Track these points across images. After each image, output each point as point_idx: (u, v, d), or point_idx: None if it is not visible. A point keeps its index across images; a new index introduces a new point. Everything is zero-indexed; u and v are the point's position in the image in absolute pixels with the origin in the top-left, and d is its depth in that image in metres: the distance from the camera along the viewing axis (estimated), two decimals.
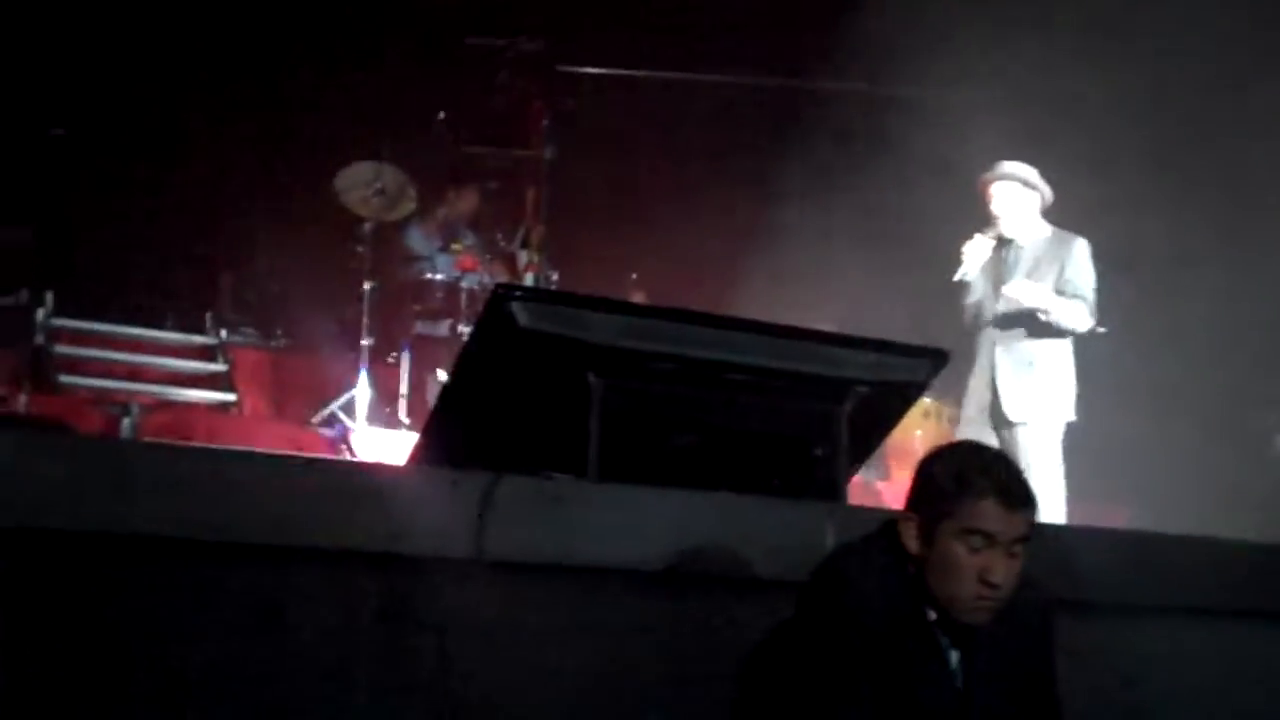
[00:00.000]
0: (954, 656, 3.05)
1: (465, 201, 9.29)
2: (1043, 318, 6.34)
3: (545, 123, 6.37)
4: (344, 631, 3.29)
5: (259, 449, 6.79)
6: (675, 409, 4.06)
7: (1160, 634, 4.12)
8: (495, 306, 3.90)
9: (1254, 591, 4.27)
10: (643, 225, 9.87)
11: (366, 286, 8.45)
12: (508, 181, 9.26)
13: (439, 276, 8.73)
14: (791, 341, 4.22)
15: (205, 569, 3.16)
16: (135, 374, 8.74)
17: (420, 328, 8.73)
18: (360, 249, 8.74)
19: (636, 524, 3.56)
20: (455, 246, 8.92)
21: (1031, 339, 6.40)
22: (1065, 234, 6.56)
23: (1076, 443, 7.90)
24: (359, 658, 3.30)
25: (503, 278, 8.27)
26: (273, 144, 10.06)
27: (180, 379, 8.91)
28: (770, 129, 9.92)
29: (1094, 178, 8.10)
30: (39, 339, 8.42)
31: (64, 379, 8.27)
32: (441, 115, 9.82)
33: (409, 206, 8.93)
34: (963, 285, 6.54)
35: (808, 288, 9.10)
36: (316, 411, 8.21)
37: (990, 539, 2.91)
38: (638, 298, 9.66)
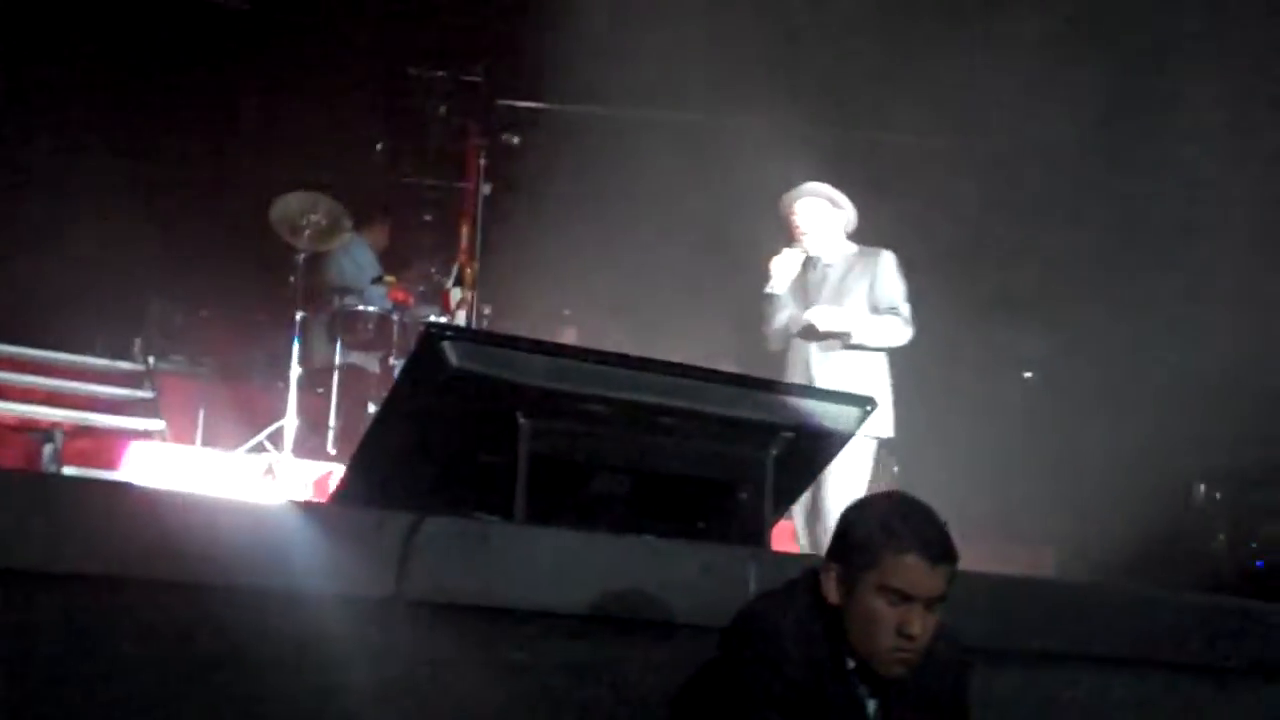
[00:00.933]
0: (871, 706, 3.07)
1: (375, 235, 9.34)
2: (853, 341, 6.21)
3: (481, 158, 6.34)
4: (260, 668, 3.26)
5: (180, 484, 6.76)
6: (603, 451, 4.07)
7: (1079, 683, 4.16)
8: (426, 345, 3.89)
9: (1174, 643, 4.31)
10: (576, 262, 9.90)
11: (298, 316, 8.39)
12: (443, 214, 9.26)
13: (371, 308, 8.70)
14: (720, 386, 4.23)
15: (116, 601, 3.13)
16: (60, 400, 8.62)
17: (351, 359, 8.70)
18: (292, 278, 8.68)
19: (561, 567, 3.57)
20: (388, 279, 8.90)
21: (846, 355, 6.24)
22: (871, 249, 6.44)
23: (1002, 482, 8.00)
24: (276, 694, 3.27)
25: (434, 312, 8.26)
26: (209, 169, 10.00)
27: (106, 405, 8.80)
28: (703, 165, 9.98)
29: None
30: None
31: None
32: (380, 146, 9.83)
33: (344, 237, 8.89)
34: (770, 300, 6.39)
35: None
36: (245, 441, 8.13)
37: (910, 592, 2.93)
38: (569, 335, 9.69)
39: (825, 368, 6.20)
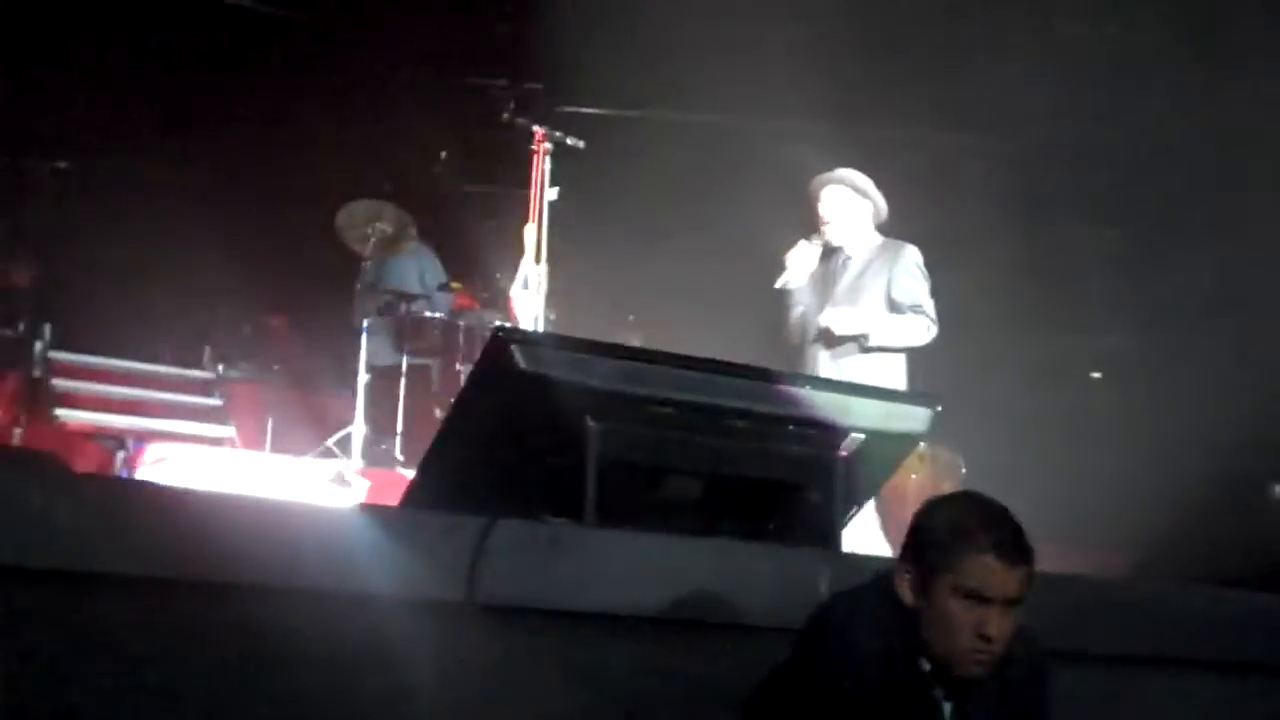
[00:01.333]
0: (948, 708, 3.04)
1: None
2: (871, 343, 6.00)
3: (544, 163, 6.34)
4: (331, 672, 3.27)
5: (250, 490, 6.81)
6: (673, 454, 4.05)
7: (1157, 685, 4.11)
8: (495, 349, 3.90)
9: (1249, 643, 4.25)
10: (642, 267, 9.92)
11: (364, 323, 8.44)
12: (506, 221, 9.29)
13: (437, 314, 8.74)
14: (790, 387, 4.22)
15: (190, 604, 3.15)
16: (132, 408, 8.72)
17: (423, 365, 8.74)
18: (358, 285, 8.74)
19: (632, 570, 3.56)
20: (454, 285, 8.95)
21: (862, 355, 6.03)
22: (895, 242, 6.22)
23: (1074, 485, 7.91)
24: (347, 697, 3.28)
25: (499, 318, 8.28)
26: (275, 180, 10.09)
27: (177, 413, 8.89)
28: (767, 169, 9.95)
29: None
30: (36, 371, 8.41)
31: (60, 412, 8.25)
32: (444, 154, 9.88)
33: (409, 245, 8.95)
34: (786, 294, 6.20)
35: None
36: (313, 447, 8.19)
37: (987, 593, 2.90)
38: (635, 340, 9.68)
39: (838, 369, 6.01)
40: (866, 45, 9.36)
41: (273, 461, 7.86)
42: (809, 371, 6.04)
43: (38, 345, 8.47)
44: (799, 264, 6.13)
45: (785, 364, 6.09)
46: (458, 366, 8.44)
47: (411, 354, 8.67)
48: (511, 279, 7.29)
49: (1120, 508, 8.24)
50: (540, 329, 6.21)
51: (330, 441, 8.12)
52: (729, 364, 4.19)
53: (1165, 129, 9.12)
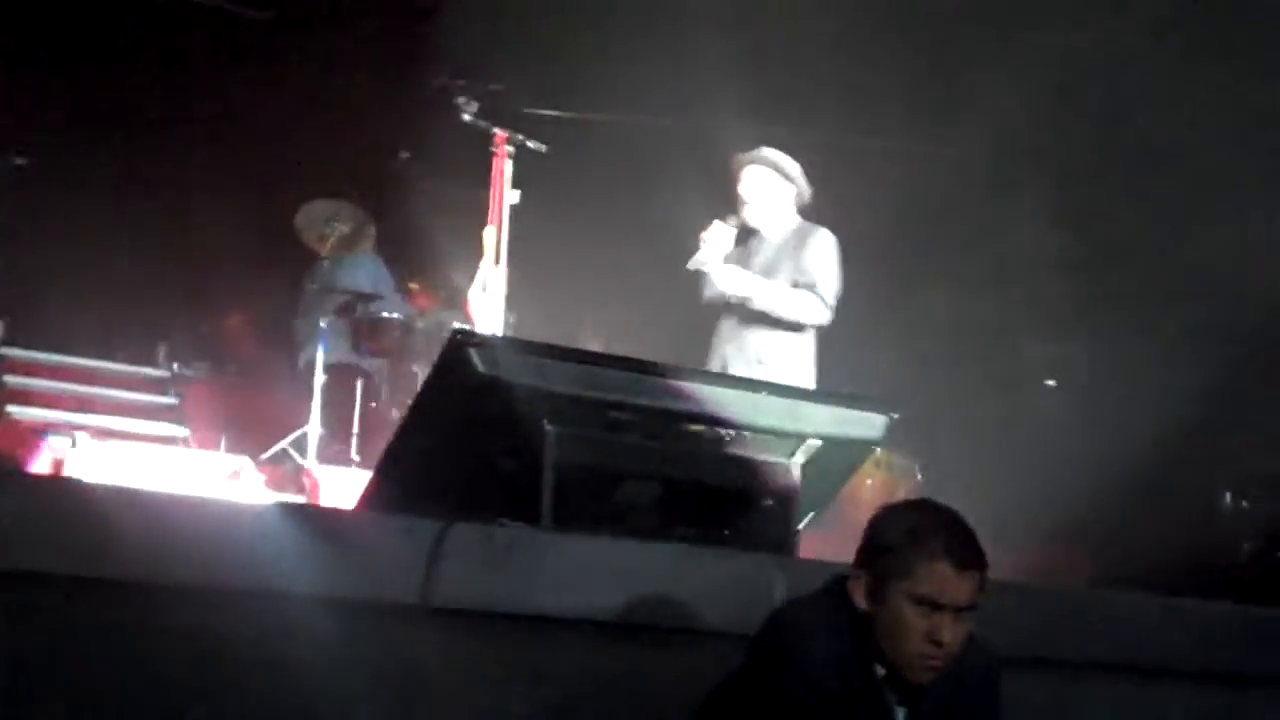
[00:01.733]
0: (901, 713, 3.06)
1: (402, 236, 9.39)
2: (755, 306, 5.88)
3: (508, 166, 6.32)
4: (283, 673, 3.25)
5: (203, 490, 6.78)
6: (629, 458, 4.06)
7: (1110, 693, 4.14)
8: (452, 352, 3.90)
9: (1202, 652, 4.29)
10: (602, 272, 9.91)
11: (322, 324, 8.40)
12: (466, 222, 9.27)
13: (395, 315, 8.71)
14: (747, 393, 4.23)
15: (139, 606, 3.13)
16: (85, 405, 8.65)
17: (374, 365, 8.71)
18: (315, 285, 8.70)
19: (588, 573, 3.57)
20: (412, 285, 8.92)
21: (763, 331, 5.92)
22: (811, 225, 6.06)
23: (1031, 487, 7.95)
24: (300, 700, 3.27)
25: (457, 318, 8.25)
26: (233, 178, 10.01)
27: (131, 411, 8.82)
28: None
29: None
30: None
31: (12, 409, 8.18)
32: (403, 154, 9.84)
33: (367, 245, 8.92)
34: (700, 275, 6.03)
35: None
36: (268, 447, 8.14)
37: (940, 599, 2.92)
38: (595, 344, 9.68)
39: (742, 343, 5.93)
40: (832, 47, 9.38)
41: (226, 461, 7.81)
42: (716, 346, 5.98)
43: None
44: (714, 245, 5.93)
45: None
46: (414, 368, 8.41)
47: (369, 354, 8.64)
48: (470, 280, 7.27)
49: (1075, 513, 8.30)
50: (500, 332, 6.18)
51: (285, 441, 8.08)
52: (686, 369, 4.21)
53: (1117, 132, 9.20)
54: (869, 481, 8.46)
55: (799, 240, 6.00)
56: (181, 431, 8.64)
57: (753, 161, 6.09)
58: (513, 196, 6.25)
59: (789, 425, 4.22)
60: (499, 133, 6.46)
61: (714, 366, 5.89)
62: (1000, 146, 9.54)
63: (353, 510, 4.17)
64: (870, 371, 8.98)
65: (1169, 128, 8.79)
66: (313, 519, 3.52)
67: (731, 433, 4.18)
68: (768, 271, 5.96)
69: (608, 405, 4.00)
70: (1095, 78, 9.13)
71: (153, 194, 9.80)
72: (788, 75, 9.57)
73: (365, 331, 8.65)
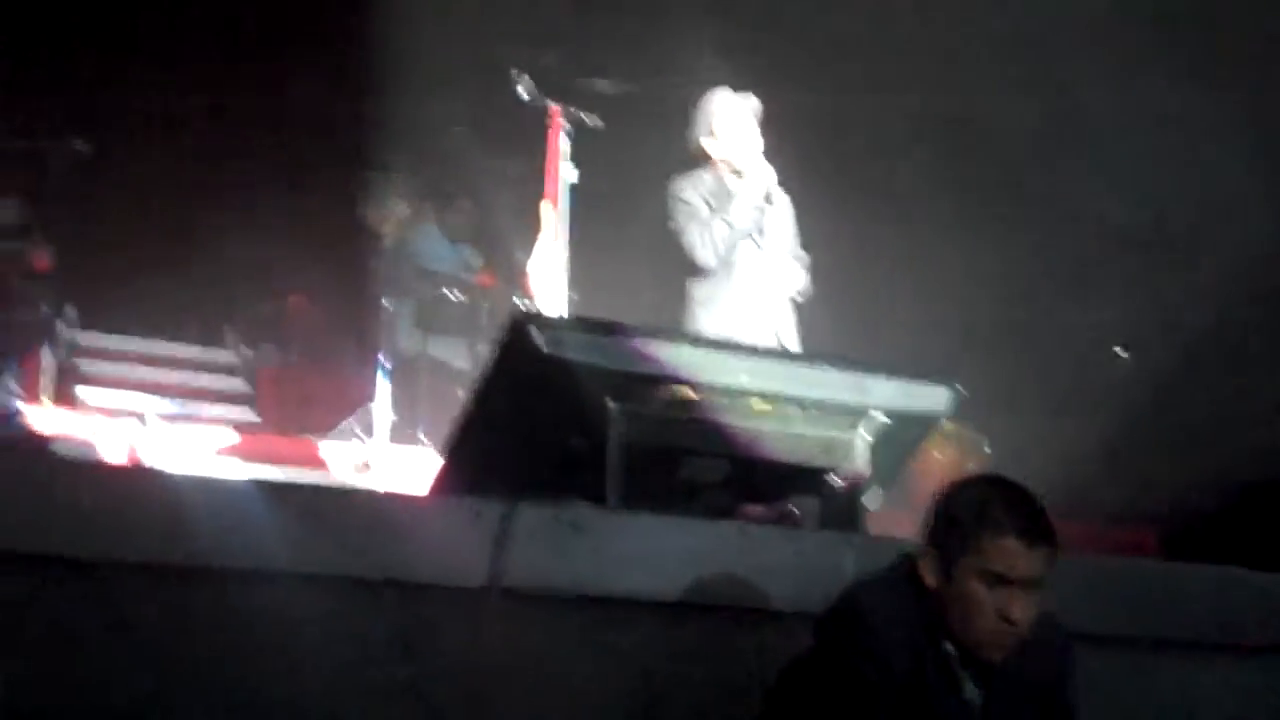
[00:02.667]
0: (972, 690, 3.03)
1: (462, 214, 9.38)
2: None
3: (564, 140, 6.27)
4: (356, 656, 3.28)
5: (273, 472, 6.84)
6: (694, 436, 4.05)
7: (1185, 669, 4.09)
8: (515, 332, 3.90)
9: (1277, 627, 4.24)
10: (661, 245, 9.87)
11: (385, 303, 8.45)
12: (526, 198, 9.28)
13: (458, 293, 8.74)
14: (812, 368, 4.21)
15: (209, 590, 3.16)
16: (155, 388, 8.74)
17: (439, 345, 8.74)
18: (378, 264, 8.74)
19: (655, 553, 3.56)
20: (474, 264, 8.94)
21: (775, 303, 5.97)
22: (777, 186, 6.01)
23: (1100, 462, 7.85)
24: (372, 683, 3.30)
25: (517, 295, 8.27)
26: (293, 160, 10.07)
27: (200, 394, 8.91)
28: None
29: None
30: (60, 353, 8.44)
31: (83, 391, 8.29)
32: (457, 129, 9.85)
33: (427, 223, 8.96)
34: (704, 222, 5.91)
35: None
36: (335, 428, 8.20)
37: (1010, 575, 2.89)
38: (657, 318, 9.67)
39: (759, 314, 5.88)
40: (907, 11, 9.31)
41: (295, 443, 7.87)
42: (720, 312, 5.88)
43: (60, 326, 8.49)
44: (702, 191, 5.95)
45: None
46: (480, 347, 8.43)
47: (433, 332, 8.67)
48: (528, 257, 7.28)
49: (1146, 487, 8.21)
50: (561, 310, 6.17)
51: (351, 421, 8.13)
52: (750, 345, 4.20)
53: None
54: (937, 455, 8.39)
55: (778, 200, 5.99)
56: (250, 413, 8.72)
57: (749, 105, 5.99)
58: (571, 174, 6.19)
59: (854, 399, 4.19)
60: (553, 106, 6.40)
61: (744, 335, 5.73)
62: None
63: (420, 494, 4.19)
64: (937, 343, 8.94)
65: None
66: (380, 503, 3.54)
67: (797, 408, 4.16)
68: (771, 236, 5.95)
69: (672, 382, 3.98)
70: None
71: (212, 175, 9.87)
72: (841, 37, 9.48)
73: (429, 309, 8.69)
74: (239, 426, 8.41)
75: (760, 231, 5.91)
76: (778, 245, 5.96)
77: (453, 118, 10.17)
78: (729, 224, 5.80)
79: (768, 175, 5.92)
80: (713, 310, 5.87)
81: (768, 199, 5.91)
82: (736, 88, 6.05)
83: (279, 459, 7.49)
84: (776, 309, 5.93)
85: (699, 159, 6.03)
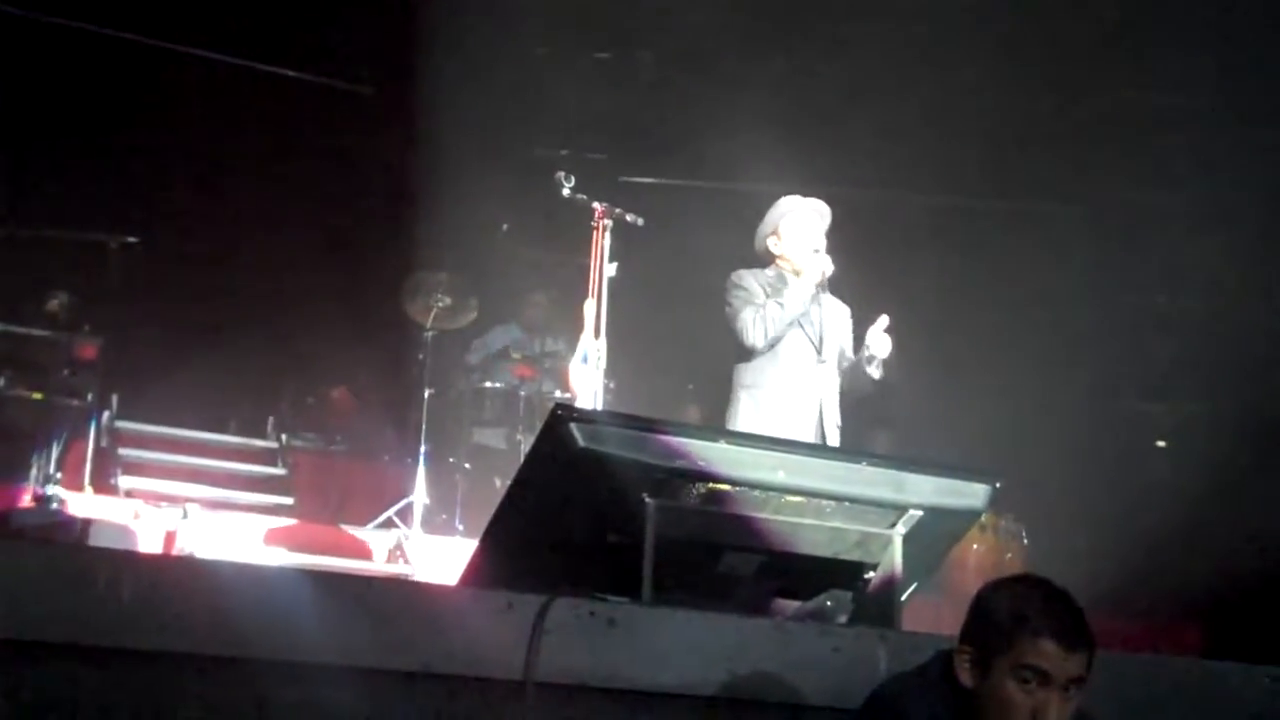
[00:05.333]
0: None
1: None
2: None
3: (607, 238, 6.36)
4: None
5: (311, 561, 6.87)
6: (730, 531, 4.06)
7: None
8: (554, 426, 3.93)
9: None
10: (700, 337, 9.93)
11: (426, 393, 8.53)
12: (567, 292, 9.38)
13: (498, 385, 8.81)
14: (847, 464, 4.22)
15: (245, 683, 3.18)
16: (196, 476, 8.81)
17: (478, 435, 8.80)
18: (421, 356, 8.84)
19: (689, 648, 3.56)
20: (514, 355, 9.02)
21: (833, 392, 6.02)
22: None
23: (1142, 557, 7.77)
24: None
25: (559, 388, 8.33)
26: (336, 253, 10.22)
27: (240, 483, 8.97)
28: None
29: None
30: (102, 441, 8.52)
31: (124, 480, 8.36)
32: (505, 226, 9.98)
33: (470, 316, 9.05)
34: (764, 315, 5.93)
35: None
36: (374, 517, 8.25)
37: (1045, 678, 2.88)
38: (694, 412, 9.70)
39: (823, 402, 5.93)
40: (931, 112, 9.39)
41: (334, 533, 7.91)
42: (800, 414, 5.89)
43: (104, 415, 8.59)
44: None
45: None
46: (518, 436, 8.49)
47: (473, 425, 8.74)
48: (571, 349, 7.36)
49: (1188, 580, 8.13)
50: (600, 401, 6.21)
51: (391, 512, 8.17)
52: (786, 441, 4.21)
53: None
54: (975, 546, 8.37)
55: (834, 305, 6.14)
56: (288, 501, 8.77)
57: (826, 210, 6.14)
58: (611, 269, 6.28)
59: (891, 496, 4.19)
60: (598, 207, 6.50)
61: (786, 420, 5.81)
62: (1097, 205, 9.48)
63: (455, 585, 4.20)
64: (974, 432, 8.92)
65: None
66: (415, 594, 3.55)
67: (833, 504, 4.16)
68: (829, 330, 6.04)
69: (708, 478, 4.00)
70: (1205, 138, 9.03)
71: (258, 269, 10.01)
72: (878, 139, 9.58)
73: (469, 401, 8.77)
74: (278, 514, 8.46)
75: (813, 323, 6.01)
76: (832, 340, 6.04)
77: (498, 215, 10.30)
78: (781, 305, 5.89)
79: (826, 267, 5.99)
80: (757, 395, 5.94)
81: (822, 288, 6.00)
82: (801, 190, 6.17)
83: (318, 548, 7.52)
84: (823, 401, 5.96)
85: (763, 258, 6.19)
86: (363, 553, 7.69)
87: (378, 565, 7.54)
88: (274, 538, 7.58)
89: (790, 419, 5.85)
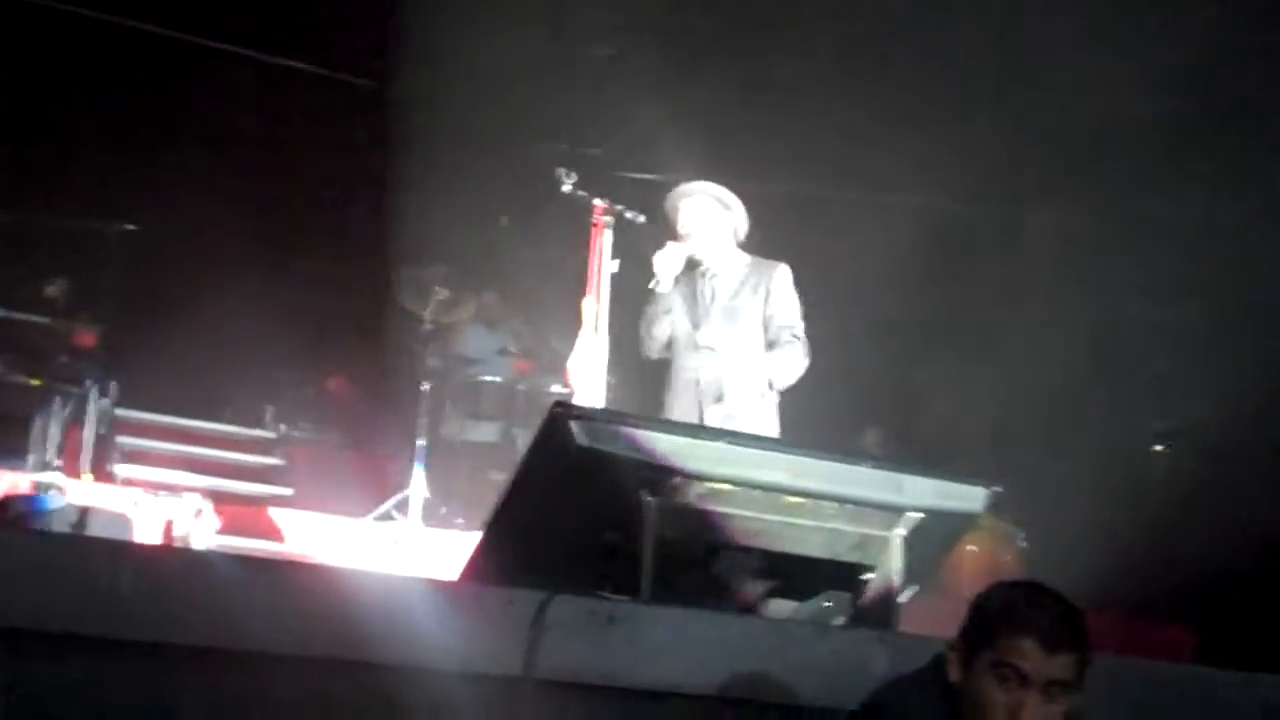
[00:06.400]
0: None
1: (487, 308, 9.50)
2: (773, 388, 5.78)
3: (607, 235, 6.33)
4: None
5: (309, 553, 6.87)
6: (729, 531, 4.07)
7: None
8: (553, 423, 3.94)
9: None
10: None
11: (424, 387, 8.53)
12: (567, 288, 9.39)
13: (495, 379, 8.81)
14: (848, 466, 4.22)
15: (245, 676, 3.19)
16: (194, 466, 8.82)
17: (474, 429, 8.80)
18: (418, 349, 8.83)
19: (688, 647, 3.56)
20: (512, 350, 9.03)
21: (743, 393, 5.76)
22: (766, 261, 5.95)
23: (1137, 561, 7.78)
24: None
25: (556, 383, 8.33)
26: (336, 242, 10.22)
27: (238, 472, 8.99)
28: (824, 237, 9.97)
29: None
30: (101, 429, 8.53)
31: (123, 469, 8.37)
32: (505, 220, 9.98)
33: (469, 310, 9.05)
34: (656, 298, 5.90)
35: None
36: (372, 509, 8.25)
37: (1024, 677, 2.85)
38: None
39: (719, 410, 5.72)
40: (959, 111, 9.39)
41: (332, 524, 7.91)
42: (681, 401, 5.81)
43: (104, 402, 8.59)
44: (668, 267, 5.89)
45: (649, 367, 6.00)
46: (514, 431, 8.50)
47: (470, 418, 8.74)
48: (571, 345, 7.35)
49: (1185, 583, 8.14)
50: (600, 402, 6.21)
51: (389, 504, 8.17)
52: (786, 442, 4.21)
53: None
54: (972, 548, 8.38)
55: (759, 278, 5.91)
56: (286, 491, 8.78)
57: (690, 194, 5.99)
58: (612, 267, 6.27)
59: (890, 498, 4.20)
60: (598, 203, 6.49)
61: (682, 416, 5.69)
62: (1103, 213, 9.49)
63: (455, 581, 4.21)
64: (974, 435, 8.93)
65: None
66: (415, 590, 3.56)
67: (833, 505, 4.17)
68: (732, 310, 5.86)
69: (707, 477, 4.01)
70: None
71: (257, 258, 10.01)
72: (890, 139, 9.59)
73: (467, 395, 8.77)
74: (275, 504, 8.47)
75: (695, 306, 5.87)
76: (721, 318, 5.86)
77: (497, 208, 10.30)
78: (668, 312, 5.84)
79: (727, 260, 5.91)
80: (667, 398, 5.88)
81: (702, 272, 5.89)
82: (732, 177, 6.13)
83: (313, 539, 7.52)
84: (700, 383, 5.80)
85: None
86: (361, 545, 7.69)
87: (376, 558, 7.54)
88: (269, 529, 7.58)
89: (674, 409, 5.79)
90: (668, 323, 5.92)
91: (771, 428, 5.80)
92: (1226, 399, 9.17)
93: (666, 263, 5.86)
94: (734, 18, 9.66)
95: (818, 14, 9.52)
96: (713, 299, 5.90)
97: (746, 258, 6.00)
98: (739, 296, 5.90)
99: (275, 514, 8.01)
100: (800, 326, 5.87)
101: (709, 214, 5.96)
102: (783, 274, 5.92)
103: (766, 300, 5.86)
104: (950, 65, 9.33)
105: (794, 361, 5.82)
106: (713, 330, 5.84)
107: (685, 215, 5.97)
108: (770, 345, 5.88)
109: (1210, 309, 9.46)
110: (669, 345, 5.94)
